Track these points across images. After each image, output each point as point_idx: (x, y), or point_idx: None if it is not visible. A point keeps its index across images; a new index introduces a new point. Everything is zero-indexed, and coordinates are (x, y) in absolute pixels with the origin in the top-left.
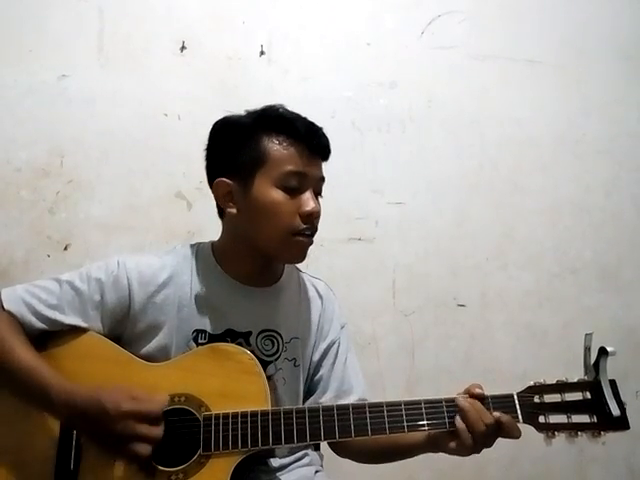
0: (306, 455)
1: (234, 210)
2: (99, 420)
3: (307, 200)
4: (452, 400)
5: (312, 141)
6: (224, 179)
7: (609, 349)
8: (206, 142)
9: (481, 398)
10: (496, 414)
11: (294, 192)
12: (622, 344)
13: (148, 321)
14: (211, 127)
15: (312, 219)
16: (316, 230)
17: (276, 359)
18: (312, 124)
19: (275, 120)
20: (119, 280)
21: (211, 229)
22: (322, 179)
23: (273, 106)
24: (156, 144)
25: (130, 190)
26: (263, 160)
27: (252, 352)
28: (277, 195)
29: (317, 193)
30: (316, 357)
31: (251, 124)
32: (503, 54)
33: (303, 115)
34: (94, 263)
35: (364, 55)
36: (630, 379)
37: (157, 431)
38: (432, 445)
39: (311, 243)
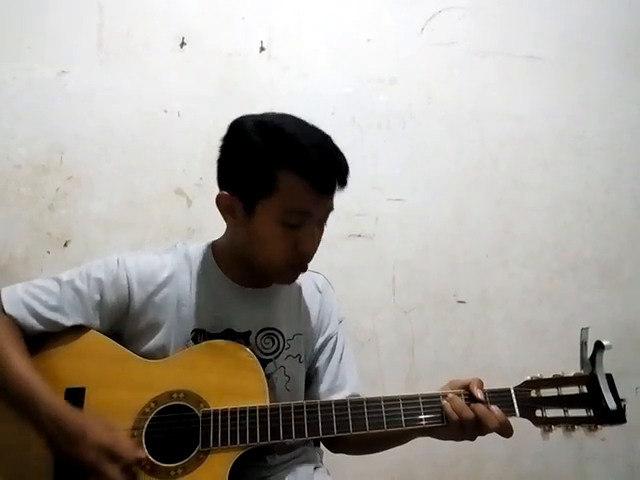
0: (305, 451)
1: (234, 224)
2: (75, 443)
3: (306, 238)
4: (437, 396)
5: (327, 181)
6: (227, 193)
7: (605, 343)
8: (219, 140)
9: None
10: (475, 405)
11: (296, 227)
12: (622, 340)
13: (147, 320)
14: (228, 127)
15: (308, 256)
16: (311, 260)
17: (276, 357)
18: (333, 157)
19: (293, 155)
20: (119, 279)
21: (211, 226)
22: (330, 210)
23: (293, 134)
24: (156, 140)
25: (130, 187)
26: (270, 192)
27: (251, 350)
28: (277, 230)
29: (321, 221)
30: (314, 351)
31: (266, 151)
32: (503, 50)
33: (326, 134)
34: (94, 261)
35: (364, 51)
36: (630, 375)
37: (121, 478)
38: (424, 431)
39: (304, 270)
